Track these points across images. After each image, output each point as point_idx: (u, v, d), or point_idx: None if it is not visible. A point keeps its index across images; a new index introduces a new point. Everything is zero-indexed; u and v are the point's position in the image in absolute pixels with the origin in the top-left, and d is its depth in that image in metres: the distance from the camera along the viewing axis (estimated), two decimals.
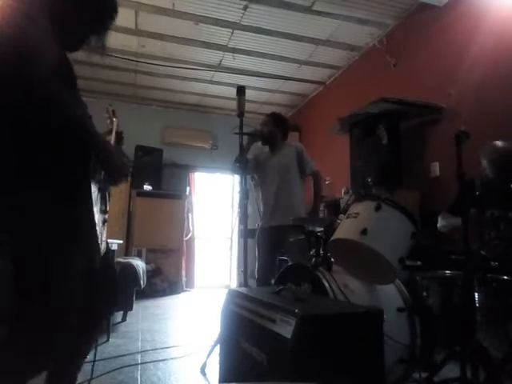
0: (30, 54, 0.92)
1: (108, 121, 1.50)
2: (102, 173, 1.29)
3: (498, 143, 2.33)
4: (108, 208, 1.36)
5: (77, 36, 1.22)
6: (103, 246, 1.25)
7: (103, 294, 1.38)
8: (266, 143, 2.95)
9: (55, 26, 1.04)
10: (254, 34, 4.29)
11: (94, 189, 1.21)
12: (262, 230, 2.90)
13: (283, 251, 2.93)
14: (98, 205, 1.23)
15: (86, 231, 1.15)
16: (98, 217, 1.20)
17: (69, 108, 1.06)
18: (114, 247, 2.71)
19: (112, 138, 1.43)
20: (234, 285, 5.99)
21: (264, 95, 5.92)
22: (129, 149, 1.53)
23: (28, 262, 1.07)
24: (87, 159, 1.16)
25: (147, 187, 5.69)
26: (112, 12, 1.25)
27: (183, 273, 5.83)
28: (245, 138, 2.60)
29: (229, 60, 4.88)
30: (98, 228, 1.19)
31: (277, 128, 2.96)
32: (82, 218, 1.15)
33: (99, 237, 1.21)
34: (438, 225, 2.42)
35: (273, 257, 2.87)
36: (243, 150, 2.47)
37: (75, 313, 1.15)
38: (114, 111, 1.52)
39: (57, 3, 1.08)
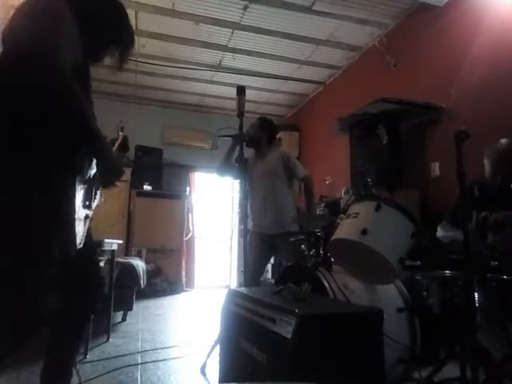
0: (53, 46, 1.03)
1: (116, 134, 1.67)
2: (92, 169, 1.29)
3: (502, 141, 2.30)
4: (93, 206, 1.34)
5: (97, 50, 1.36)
6: (79, 241, 1.22)
7: (82, 286, 1.37)
8: (249, 146, 2.90)
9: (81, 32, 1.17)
10: (254, 34, 4.30)
11: (79, 183, 1.19)
12: (253, 232, 2.87)
13: (277, 255, 2.91)
14: (80, 197, 1.21)
15: (61, 220, 1.13)
16: (78, 209, 1.18)
17: (77, 98, 1.09)
18: (114, 247, 2.71)
19: (115, 146, 1.55)
20: (233, 285, 5.99)
21: (264, 95, 5.92)
22: None
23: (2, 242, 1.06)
24: (75, 150, 1.15)
25: (147, 187, 5.69)
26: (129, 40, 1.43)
27: (183, 273, 5.83)
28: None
29: (229, 60, 4.88)
30: (76, 220, 1.17)
31: (263, 132, 2.93)
32: (59, 206, 1.13)
33: (77, 230, 1.18)
34: (438, 234, 2.40)
35: (262, 259, 2.86)
36: (242, 152, 2.44)
37: (49, 302, 1.15)
38: (122, 128, 1.73)
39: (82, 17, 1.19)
